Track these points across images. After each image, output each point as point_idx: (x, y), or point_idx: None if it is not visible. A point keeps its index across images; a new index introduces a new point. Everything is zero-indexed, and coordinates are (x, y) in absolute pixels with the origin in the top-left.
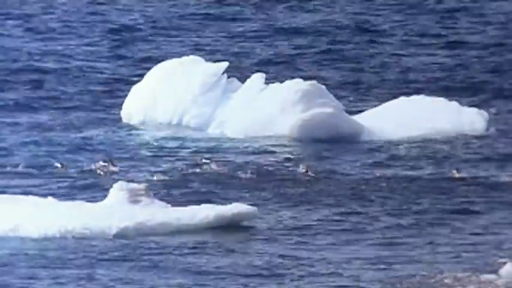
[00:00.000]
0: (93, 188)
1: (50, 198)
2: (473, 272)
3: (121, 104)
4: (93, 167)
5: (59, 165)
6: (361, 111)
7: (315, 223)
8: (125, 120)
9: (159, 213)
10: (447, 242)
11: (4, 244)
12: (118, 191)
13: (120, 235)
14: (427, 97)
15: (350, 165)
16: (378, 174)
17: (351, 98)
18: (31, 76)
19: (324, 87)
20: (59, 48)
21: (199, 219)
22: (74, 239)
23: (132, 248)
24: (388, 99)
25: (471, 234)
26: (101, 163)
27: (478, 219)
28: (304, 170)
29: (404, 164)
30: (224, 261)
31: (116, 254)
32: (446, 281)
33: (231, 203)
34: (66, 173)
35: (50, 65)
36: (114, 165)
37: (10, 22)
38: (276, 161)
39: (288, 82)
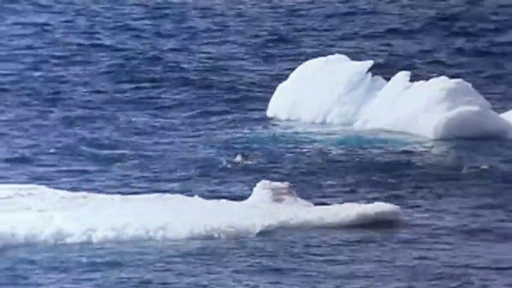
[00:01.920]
0: (236, 186)
1: (196, 196)
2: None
3: (267, 103)
4: (232, 164)
5: (238, 158)
6: (509, 110)
7: (462, 224)
8: (270, 118)
9: (301, 212)
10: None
11: (154, 244)
12: (261, 190)
13: (264, 233)
14: None
15: (498, 164)
16: None
17: (499, 96)
18: (175, 75)
19: (470, 85)
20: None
21: (342, 217)
22: (220, 237)
23: (277, 246)
24: None
25: None
26: (239, 158)
27: None
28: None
29: None
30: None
31: (261, 253)
32: None
33: (373, 202)
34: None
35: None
36: (250, 160)
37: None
38: (420, 160)
39: (433, 80)
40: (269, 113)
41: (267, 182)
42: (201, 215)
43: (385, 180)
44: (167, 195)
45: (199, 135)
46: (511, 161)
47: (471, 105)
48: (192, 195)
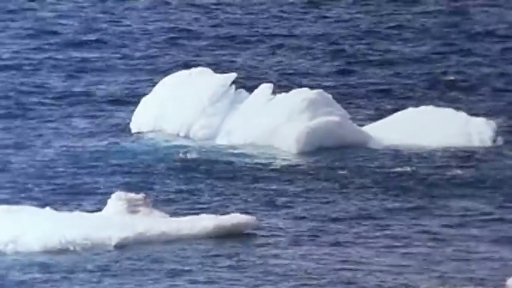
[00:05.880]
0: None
1: (48, 208)
2: (477, 283)
3: (131, 116)
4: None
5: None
6: (369, 121)
7: (313, 231)
8: (134, 131)
9: (158, 224)
10: (453, 252)
11: (2, 258)
12: (116, 201)
13: (121, 245)
14: (436, 108)
15: (355, 173)
16: (382, 183)
17: (358, 108)
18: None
19: (330, 96)
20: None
21: (199, 229)
22: (76, 250)
23: (133, 259)
24: (396, 110)
25: (479, 247)
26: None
27: (485, 232)
28: None
29: (410, 174)
30: (228, 270)
31: (118, 265)
32: None
33: (231, 213)
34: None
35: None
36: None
37: None
38: (280, 171)
39: (294, 91)
40: (133, 126)
41: (122, 193)
42: (55, 227)
43: (244, 191)
44: (16, 207)
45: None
46: (370, 168)
47: (331, 116)
48: (43, 207)
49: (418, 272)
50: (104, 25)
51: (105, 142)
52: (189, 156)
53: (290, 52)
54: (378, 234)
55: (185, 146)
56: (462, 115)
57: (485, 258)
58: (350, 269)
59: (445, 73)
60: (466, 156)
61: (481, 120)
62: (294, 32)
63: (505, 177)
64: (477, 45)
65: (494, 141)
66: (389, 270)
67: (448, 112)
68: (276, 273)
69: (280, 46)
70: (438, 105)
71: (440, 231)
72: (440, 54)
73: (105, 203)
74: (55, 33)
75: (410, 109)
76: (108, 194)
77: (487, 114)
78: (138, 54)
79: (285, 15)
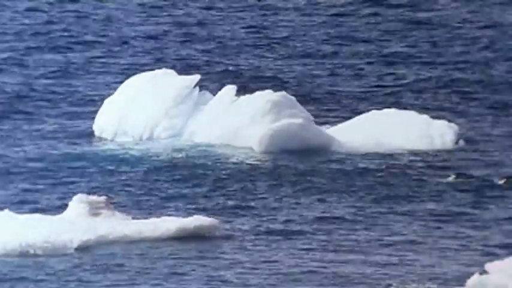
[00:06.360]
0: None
1: (7, 211)
2: (440, 283)
3: (94, 118)
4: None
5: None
6: (332, 124)
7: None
8: (97, 133)
9: (120, 226)
10: (416, 253)
11: None
12: (78, 204)
13: (82, 248)
14: (398, 110)
15: (317, 175)
16: (345, 185)
17: (322, 110)
18: None
19: (293, 98)
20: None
21: (162, 231)
22: (35, 253)
23: (95, 261)
24: (360, 113)
25: (442, 248)
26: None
27: (447, 233)
28: None
29: (373, 176)
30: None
31: (79, 268)
32: None
33: (193, 215)
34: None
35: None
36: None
37: None
38: (243, 172)
39: (258, 93)
40: (95, 128)
41: (84, 195)
42: (15, 230)
43: (206, 193)
44: None
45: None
46: (333, 170)
47: (295, 118)
48: (2, 210)
49: (381, 272)
50: (64, 25)
51: (67, 145)
52: (152, 158)
53: (254, 54)
54: (340, 237)
55: (148, 148)
56: (424, 118)
57: (447, 259)
58: (313, 271)
59: (407, 76)
60: (428, 159)
61: (442, 123)
62: (256, 34)
63: (466, 179)
64: (440, 50)
65: (456, 143)
66: (353, 272)
67: (411, 115)
68: (239, 273)
69: (243, 47)
70: (401, 108)
71: (402, 232)
72: (405, 57)
73: (66, 206)
74: (16, 33)
75: (373, 111)
76: (69, 197)
77: (449, 117)
78: (99, 55)
79: (246, 16)
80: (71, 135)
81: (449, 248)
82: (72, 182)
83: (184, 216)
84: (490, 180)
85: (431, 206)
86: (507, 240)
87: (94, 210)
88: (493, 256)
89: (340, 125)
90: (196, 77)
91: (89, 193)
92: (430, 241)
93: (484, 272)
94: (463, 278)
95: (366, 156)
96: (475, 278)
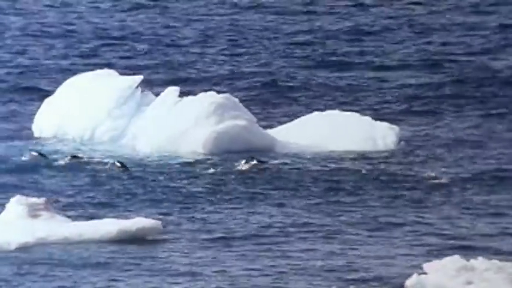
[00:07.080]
0: None
1: None
2: (381, 285)
3: (33, 118)
4: None
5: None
6: (275, 125)
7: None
8: (36, 133)
9: (60, 228)
10: (357, 257)
11: None
12: (17, 205)
13: (20, 250)
14: (341, 112)
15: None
16: (288, 186)
17: (265, 112)
18: None
19: (237, 100)
20: None
21: (102, 233)
22: None
23: (33, 264)
24: (303, 115)
25: (380, 248)
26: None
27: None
28: None
29: (314, 177)
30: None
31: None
32: None
33: (135, 217)
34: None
35: None
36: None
37: None
38: (187, 174)
39: (201, 95)
40: (34, 128)
41: (23, 197)
42: None
43: (149, 195)
44: None
45: None
46: (276, 172)
47: (238, 120)
48: None
49: (318, 270)
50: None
51: (5, 145)
52: (93, 159)
53: (197, 55)
54: (281, 241)
55: (90, 149)
56: (367, 119)
57: (386, 259)
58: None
59: (348, 78)
60: (370, 161)
61: (385, 124)
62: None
63: (406, 181)
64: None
65: (397, 145)
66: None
67: (353, 116)
68: (180, 275)
69: (186, 48)
70: (343, 110)
71: (342, 231)
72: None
73: (3, 208)
74: None
75: (316, 113)
76: (7, 199)
77: (391, 119)
78: (39, 54)
79: (194, 17)
80: (9, 136)
81: (389, 250)
82: (10, 184)
83: (125, 219)
84: (430, 181)
85: (371, 207)
86: (445, 241)
87: (33, 212)
88: (431, 256)
89: (283, 127)
90: (139, 78)
91: (27, 195)
92: (371, 242)
93: (422, 272)
94: (402, 279)
95: (309, 157)
96: (413, 278)
